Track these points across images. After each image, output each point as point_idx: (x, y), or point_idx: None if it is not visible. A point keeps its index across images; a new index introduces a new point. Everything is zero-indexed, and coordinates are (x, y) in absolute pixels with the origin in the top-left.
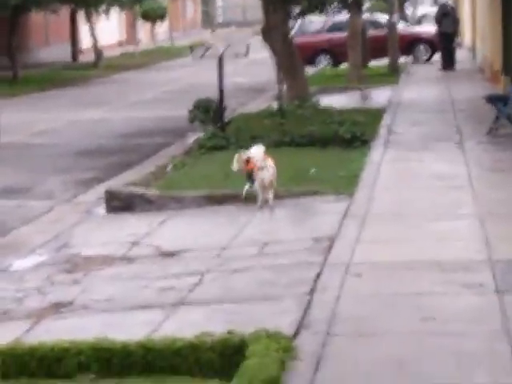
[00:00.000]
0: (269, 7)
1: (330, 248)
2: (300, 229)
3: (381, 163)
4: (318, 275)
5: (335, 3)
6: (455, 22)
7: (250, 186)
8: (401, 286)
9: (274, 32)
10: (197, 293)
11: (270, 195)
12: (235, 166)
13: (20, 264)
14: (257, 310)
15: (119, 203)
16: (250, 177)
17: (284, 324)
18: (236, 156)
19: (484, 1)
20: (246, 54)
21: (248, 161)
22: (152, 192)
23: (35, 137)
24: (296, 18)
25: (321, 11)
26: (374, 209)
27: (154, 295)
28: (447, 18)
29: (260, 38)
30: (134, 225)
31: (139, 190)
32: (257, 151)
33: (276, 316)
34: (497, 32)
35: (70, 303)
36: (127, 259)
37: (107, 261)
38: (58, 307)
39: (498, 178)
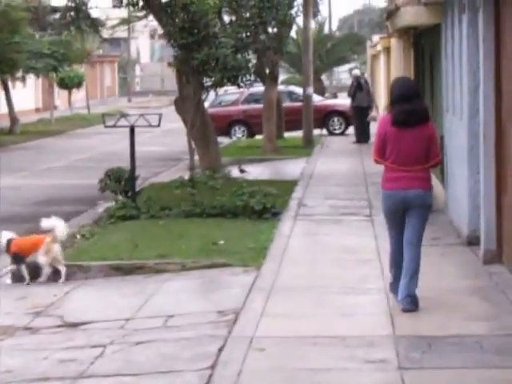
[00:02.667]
0: (182, 78)
1: (234, 321)
2: (206, 301)
3: (290, 236)
4: (221, 349)
5: (249, 76)
6: (369, 95)
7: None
8: (304, 362)
9: (187, 102)
10: (98, 365)
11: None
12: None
13: None
14: None
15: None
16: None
17: None
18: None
19: (398, 74)
20: (159, 124)
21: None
22: None
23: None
24: (209, 90)
25: (234, 84)
26: (280, 282)
27: (54, 367)
28: (361, 91)
29: (174, 107)
30: (38, 295)
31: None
32: (58, 223)
33: None
34: None
35: None
36: (30, 329)
37: (9, 331)
38: None
39: None
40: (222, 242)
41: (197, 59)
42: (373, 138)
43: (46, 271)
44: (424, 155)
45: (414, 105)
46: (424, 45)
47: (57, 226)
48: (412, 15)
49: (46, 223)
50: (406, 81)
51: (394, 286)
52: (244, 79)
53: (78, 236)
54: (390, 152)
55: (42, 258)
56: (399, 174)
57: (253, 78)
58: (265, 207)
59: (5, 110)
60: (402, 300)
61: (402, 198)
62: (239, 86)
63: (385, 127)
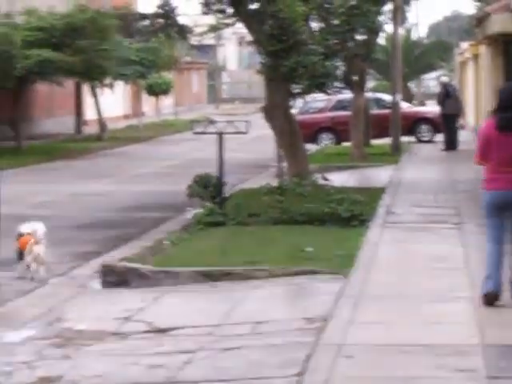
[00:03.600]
0: (270, 85)
1: (322, 329)
2: (293, 308)
3: (378, 243)
4: (309, 356)
5: (337, 83)
6: (458, 102)
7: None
8: (392, 370)
9: (276, 110)
10: (186, 371)
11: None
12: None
13: (11, 337)
14: None
15: (114, 278)
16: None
17: None
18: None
19: (487, 82)
20: (247, 130)
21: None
22: (147, 267)
23: (35, 208)
24: (298, 97)
25: (322, 91)
26: (369, 289)
27: (144, 372)
28: (450, 98)
29: (262, 114)
30: (128, 300)
31: (134, 265)
32: (38, 227)
33: None
34: None
35: (59, 379)
36: (119, 335)
37: (99, 336)
38: (46, 382)
39: None
40: (310, 249)
41: (285, 66)
42: (462, 146)
43: (20, 268)
44: None
45: None
46: None
47: (37, 229)
48: (502, 22)
49: (25, 227)
50: None
51: (487, 282)
52: (332, 86)
53: (167, 242)
54: (492, 154)
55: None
56: (500, 176)
57: (341, 85)
58: (353, 214)
59: (94, 116)
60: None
61: (501, 199)
62: (327, 93)
63: (489, 130)
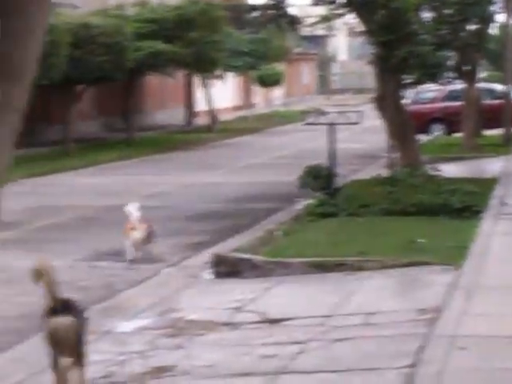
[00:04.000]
0: (382, 76)
1: (434, 320)
2: (405, 299)
3: (492, 235)
4: (422, 348)
5: (448, 73)
6: None
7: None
8: (506, 361)
9: (387, 100)
10: (299, 361)
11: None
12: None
13: (124, 327)
14: (358, 381)
15: (226, 268)
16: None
17: None
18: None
19: None
20: (359, 121)
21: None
22: (259, 258)
23: (147, 199)
24: (409, 88)
25: (434, 81)
26: (482, 281)
27: (255, 362)
28: None
29: (373, 105)
30: (239, 290)
31: (246, 256)
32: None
33: None
34: None
35: (172, 368)
36: (231, 325)
37: (211, 326)
38: (159, 372)
39: None
40: (422, 241)
41: (396, 57)
42: None
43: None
44: None
45: None
46: None
47: (131, 213)
48: None
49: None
50: None
51: None
52: (443, 76)
53: (278, 233)
54: None
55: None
56: None
57: (452, 75)
58: (465, 206)
59: (204, 107)
60: None
61: None
62: (439, 84)
63: None
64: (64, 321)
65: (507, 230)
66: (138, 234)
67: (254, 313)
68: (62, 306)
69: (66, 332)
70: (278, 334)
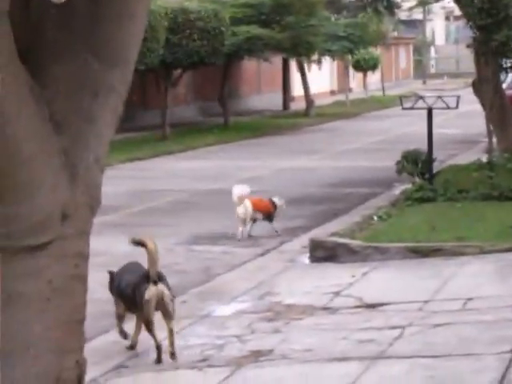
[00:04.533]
0: (480, 59)
1: None
2: (504, 285)
3: None
4: None
5: None
6: None
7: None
8: None
9: (485, 84)
10: (396, 346)
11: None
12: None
13: (222, 310)
14: (457, 367)
15: (323, 253)
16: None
17: (484, 382)
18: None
19: None
20: (457, 105)
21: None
22: (356, 242)
23: (243, 183)
24: (508, 72)
25: None
26: None
27: (353, 347)
28: None
29: (471, 89)
30: (336, 275)
31: (343, 240)
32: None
33: (476, 373)
34: None
35: (269, 352)
36: (328, 309)
37: (308, 310)
38: (257, 356)
39: None
40: None
41: (496, 40)
42: None
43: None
44: None
45: None
46: None
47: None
48: None
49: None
50: None
51: None
52: None
53: (375, 218)
54: None
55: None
56: None
57: None
58: None
59: (301, 92)
60: None
61: None
62: None
63: None
64: (164, 289)
65: None
66: (239, 210)
67: (352, 297)
68: (158, 277)
69: (168, 298)
70: (376, 319)
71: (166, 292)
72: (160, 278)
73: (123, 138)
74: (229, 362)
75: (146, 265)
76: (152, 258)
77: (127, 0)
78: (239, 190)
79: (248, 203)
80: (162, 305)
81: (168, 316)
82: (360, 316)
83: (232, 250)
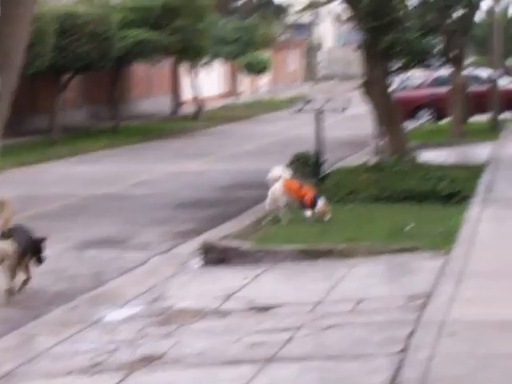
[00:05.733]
0: (369, 62)
1: (424, 306)
2: (395, 286)
3: (479, 220)
4: (412, 334)
5: (435, 59)
6: None
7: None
8: (496, 347)
9: (374, 86)
10: (288, 349)
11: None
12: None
13: (114, 315)
14: (348, 368)
15: (215, 256)
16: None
17: (375, 383)
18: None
19: None
20: (346, 108)
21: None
22: (248, 245)
23: (134, 188)
24: (397, 73)
25: (420, 67)
26: (471, 267)
27: (245, 350)
28: None
29: (360, 91)
30: (228, 278)
31: (235, 243)
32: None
33: (368, 374)
34: None
35: (161, 356)
36: (220, 313)
37: (200, 314)
38: (149, 360)
39: None
40: (410, 227)
41: (384, 43)
42: None
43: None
44: None
45: None
46: None
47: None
48: None
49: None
50: None
51: None
52: (430, 63)
53: (266, 220)
54: None
55: None
56: None
57: (439, 61)
58: (453, 192)
59: (190, 95)
60: None
61: None
62: (426, 70)
63: None
64: (5, 245)
65: (495, 216)
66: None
67: (244, 300)
68: (8, 234)
69: (6, 253)
70: (268, 322)
71: (6, 248)
72: (9, 236)
73: (13, 143)
74: (121, 367)
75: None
76: (6, 216)
77: (11, 5)
78: (276, 171)
79: (279, 185)
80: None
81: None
82: (252, 319)
83: (123, 254)
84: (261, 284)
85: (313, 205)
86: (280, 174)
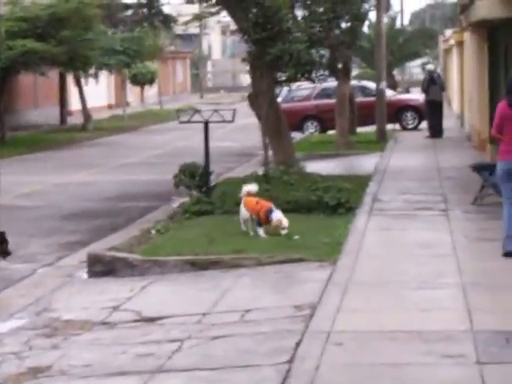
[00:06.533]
0: (256, 73)
1: (311, 316)
2: (282, 296)
3: (365, 231)
4: (298, 344)
5: (322, 71)
6: (442, 89)
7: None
8: (382, 356)
9: (261, 98)
10: (176, 360)
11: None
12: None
13: None
14: (236, 379)
15: (102, 267)
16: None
17: None
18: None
19: (472, 69)
20: (233, 119)
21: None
22: (135, 256)
23: (20, 199)
24: (283, 85)
25: (307, 79)
26: (356, 277)
27: (132, 361)
28: (434, 85)
29: (247, 103)
30: (115, 289)
31: (122, 255)
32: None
33: None
34: (484, 100)
35: (48, 368)
36: (107, 324)
37: (87, 326)
38: (35, 372)
39: (482, 248)
40: (297, 237)
41: (271, 54)
42: (446, 133)
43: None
44: None
45: None
46: (499, 39)
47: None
48: (487, 8)
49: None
50: None
51: (507, 242)
52: (317, 74)
53: (153, 231)
54: (506, 129)
55: None
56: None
57: (326, 72)
58: (339, 202)
59: (78, 106)
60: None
61: (509, 168)
62: (313, 81)
63: (503, 110)
64: None
65: (380, 226)
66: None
67: (131, 312)
68: None
69: None
70: (155, 333)
71: None
72: None
73: None
74: (6, 380)
75: None
76: None
77: None
78: (246, 188)
79: (243, 201)
80: None
81: None
82: (139, 330)
83: (8, 265)
84: (148, 295)
85: (267, 220)
86: (247, 190)
